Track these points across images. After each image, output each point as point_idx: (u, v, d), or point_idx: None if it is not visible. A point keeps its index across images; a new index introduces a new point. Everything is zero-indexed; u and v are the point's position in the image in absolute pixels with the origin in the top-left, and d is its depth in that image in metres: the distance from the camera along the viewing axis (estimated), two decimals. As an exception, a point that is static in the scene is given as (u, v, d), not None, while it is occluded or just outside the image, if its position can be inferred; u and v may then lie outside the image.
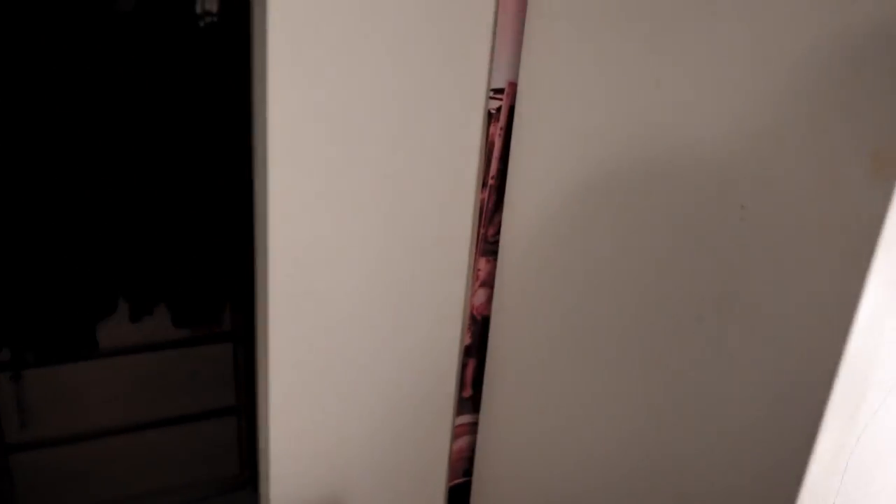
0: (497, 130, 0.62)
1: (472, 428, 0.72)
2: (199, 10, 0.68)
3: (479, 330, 0.68)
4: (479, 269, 0.66)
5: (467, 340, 0.68)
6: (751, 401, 0.43)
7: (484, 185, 0.63)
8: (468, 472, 0.73)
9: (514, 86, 0.61)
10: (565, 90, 0.55)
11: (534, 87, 0.59)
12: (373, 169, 0.57)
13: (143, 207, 0.77)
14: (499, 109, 0.61)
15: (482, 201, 0.63)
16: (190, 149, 0.76)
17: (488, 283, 0.67)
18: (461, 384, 0.69)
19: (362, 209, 0.58)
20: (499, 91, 0.61)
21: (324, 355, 0.61)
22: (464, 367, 0.69)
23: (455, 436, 0.71)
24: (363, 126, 0.56)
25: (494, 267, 0.66)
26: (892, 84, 0.34)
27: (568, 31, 0.54)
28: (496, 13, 0.58)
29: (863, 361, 0.38)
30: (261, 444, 0.65)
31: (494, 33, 0.58)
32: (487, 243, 0.65)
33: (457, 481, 0.73)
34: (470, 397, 0.70)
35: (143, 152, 0.72)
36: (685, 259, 0.47)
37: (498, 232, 0.65)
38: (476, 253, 0.65)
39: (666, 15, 0.46)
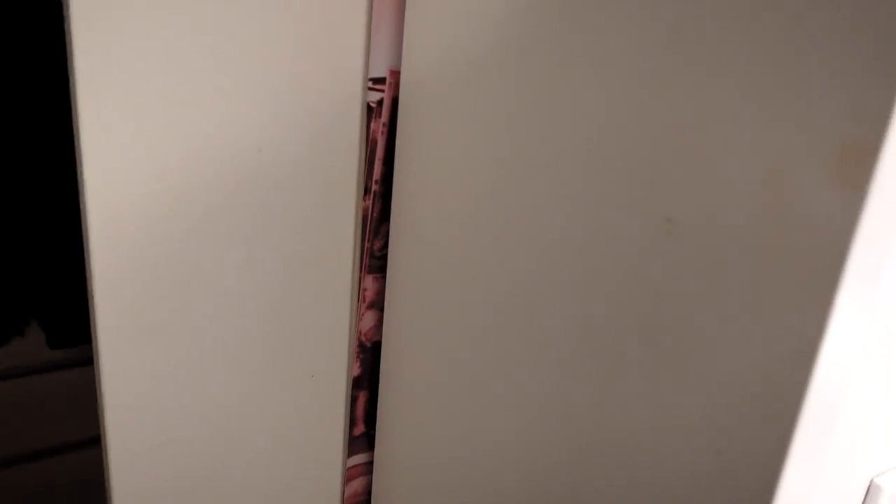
0: (379, 127, 0.52)
1: (368, 468, 0.62)
2: None
3: (369, 358, 0.59)
4: (365, 289, 0.56)
5: (356, 371, 0.59)
6: (683, 452, 0.34)
7: (367, 191, 0.54)
8: (365, 516, 0.64)
9: (397, 74, 0.51)
10: (457, 77, 0.46)
11: (419, 74, 0.49)
12: (227, 176, 0.47)
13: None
14: (380, 102, 0.52)
15: (365, 210, 0.54)
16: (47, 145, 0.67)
17: (377, 305, 0.57)
18: (352, 421, 0.60)
19: (216, 223, 0.48)
20: (379, 80, 0.51)
21: (172, 396, 0.51)
22: (354, 400, 0.59)
23: (347, 479, 0.62)
24: (208, 124, 0.46)
25: (384, 285, 0.57)
26: (866, 60, 0.25)
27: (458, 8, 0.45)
28: (371, -13, 0.48)
29: (824, 410, 0.29)
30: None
31: (370, 10, 0.49)
32: (374, 258, 0.56)
33: (353, 528, 0.64)
34: (363, 434, 0.61)
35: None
36: (605, 277, 0.38)
37: (386, 245, 0.56)
38: (362, 270, 0.56)
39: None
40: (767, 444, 0.29)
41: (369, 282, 0.56)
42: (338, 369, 0.56)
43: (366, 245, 0.55)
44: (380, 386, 0.59)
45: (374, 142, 0.53)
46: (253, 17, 0.44)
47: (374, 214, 0.55)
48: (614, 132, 0.36)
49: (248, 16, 0.44)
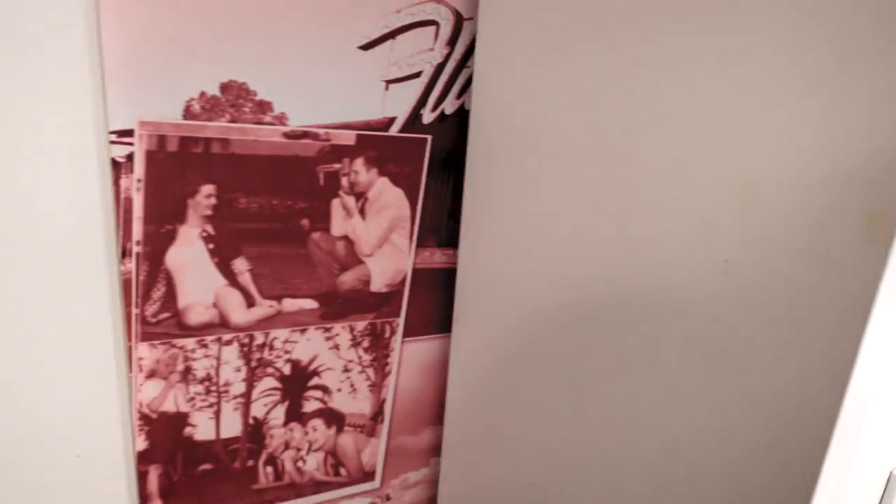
0: (133, 183, 0.47)
1: (172, 545, 0.57)
2: None
3: (160, 429, 0.53)
4: (141, 358, 0.51)
5: (143, 445, 0.53)
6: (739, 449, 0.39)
7: (127, 254, 0.48)
8: None
9: (150, 125, 0.46)
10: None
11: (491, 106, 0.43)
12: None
13: None
14: (130, 157, 0.46)
15: (127, 274, 0.48)
16: None
17: (160, 373, 0.52)
18: (146, 497, 0.55)
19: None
20: (126, 133, 0.45)
21: None
22: (144, 475, 0.54)
23: (148, 557, 0.56)
24: None
25: (166, 353, 0.51)
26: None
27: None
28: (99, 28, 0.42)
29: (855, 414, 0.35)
30: None
31: (101, 60, 0.43)
32: (149, 324, 0.50)
33: None
34: (161, 510, 0.56)
35: None
36: (668, 304, 0.41)
37: (163, 310, 0.50)
38: (135, 339, 0.50)
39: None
40: (810, 443, 0.35)
41: (145, 350, 0.51)
42: (110, 446, 0.51)
43: (134, 311, 0.49)
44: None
45: (129, 200, 0.47)
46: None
47: (142, 277, 0.49)
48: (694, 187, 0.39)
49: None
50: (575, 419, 0.49)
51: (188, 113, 0.47)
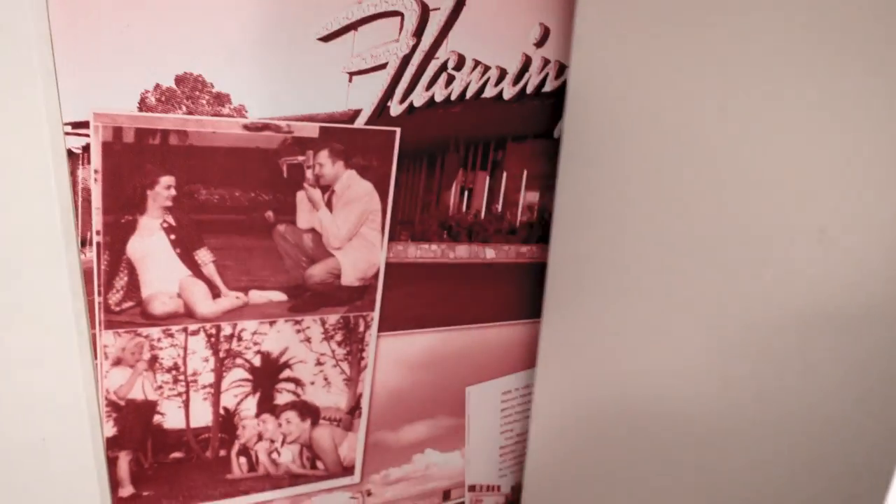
0: (91, 174, 0.48)
1: (145, 530, 0.58)
2: None
3: (127, 416, 0.55)
4: (106, 346, 0.52)
5: (112, 432, 0.54)
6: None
7: (88, 243, 0.49)
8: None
9: (104, 117, 0.47)
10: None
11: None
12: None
13: None
14: (86, 148, 0.47)
15: (88, 263, 0.50)
16: None
17: (126, 361, 0.53)
18: (114, 483, 0.56)
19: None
20: (81, 124, 0.47)
21: None
22: (114, 461, 0.55)
23: (122, 541, 0.58)
24: None
25: (131, 341, 0.52)
26: None
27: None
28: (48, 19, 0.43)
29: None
30: None
31: (51, 51, 0.44)
32: (112, 313, 0.51)
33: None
34: (133, 496, 0.57)
35: None
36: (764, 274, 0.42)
37: (127, 299, 0.51)
38: (99, 327, 0.51)
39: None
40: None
41: (109, 338, 0.52)
42: (76, 433, 0.52)
43: (97, 299, 0.51)
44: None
45: (88, 190, 0.48)
46: None
47: (104, 267, 0.50)
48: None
49: None
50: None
51: (143, 105, 0.47)
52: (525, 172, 0.63)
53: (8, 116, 0.44)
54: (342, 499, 0.66)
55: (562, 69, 0.60)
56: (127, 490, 0.57)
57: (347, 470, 0.65)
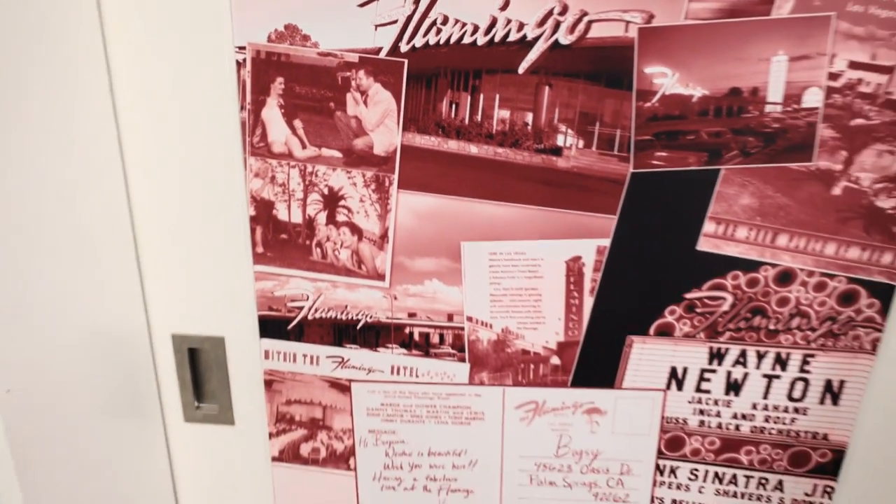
0: (247, 73, 0.97)
1: (267, 275, 1.07)
2: None
3: (259, 206, 1.04)
4: (250, 165, 1.01)
5: (252, 213, 1.04)
6: None
7: (243, 108, 0.99)
8: None
9: (252, 45, 0.95)
10: None
11: None
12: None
13: None
14: (243, 61, 0.96)
15: (243, 120, 0.99)
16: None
17: (260, 175, 1.02)
18: (253, 244, 1.06)
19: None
20: (241, 48, 0.96)
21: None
22: (253, 230, 1.05)
23: (256, 277, 1.08)
24: None
25: (263, 163, 1.01)
26: None
27: None
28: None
29: None
30: None
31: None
32: (254, 147, 1.00)
33: None
34: (261, 254, 1.06)
35: None
36: None
37: (261, 141, 1.00)
38: (247, 153, 1.01)
39: None
40: None
41: (253, 161, 1.01)
42: (239, 210, 1.03)
43: (247, 140, 1.00)
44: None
45: (244, 81, 0.97)
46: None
47: (250, 123, 0.99)
48: None
49: (167, 16, 0.95)
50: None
51: (269, 38, 0.94)
52: (498, 95, 0.94)
53: (209, 47, 0.94)
54: (377, 295, 1.07)
55: (520, 26, 0.90)
56: (259, 249, 1.06)
57: (381, 276, 1.06)
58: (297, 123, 0.98)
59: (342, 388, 1.12)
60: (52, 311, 0.90)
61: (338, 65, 0.95)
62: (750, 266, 0.97)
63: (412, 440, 1.15)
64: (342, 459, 1.18)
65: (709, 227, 0.96)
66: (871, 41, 0.85)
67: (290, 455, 1.18)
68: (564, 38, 0.90)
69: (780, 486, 1.10)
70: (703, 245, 0.97)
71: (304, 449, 1.18)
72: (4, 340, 0.81)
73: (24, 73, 0.82)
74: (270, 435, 1.17)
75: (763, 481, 1.10)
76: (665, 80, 0.90)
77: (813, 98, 0.88)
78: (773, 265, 0.97)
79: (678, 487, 1.13)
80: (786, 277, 0.98)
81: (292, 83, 0.96)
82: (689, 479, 1.12)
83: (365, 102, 0.96)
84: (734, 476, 1.11)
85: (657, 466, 1.12)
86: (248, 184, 1.03)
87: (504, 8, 0.90)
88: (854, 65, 0.86)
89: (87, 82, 0.94)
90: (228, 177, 1.02)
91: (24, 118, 0.82)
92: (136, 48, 0.96)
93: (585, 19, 0.89)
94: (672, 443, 1.10)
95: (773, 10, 0.85)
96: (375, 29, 0.93)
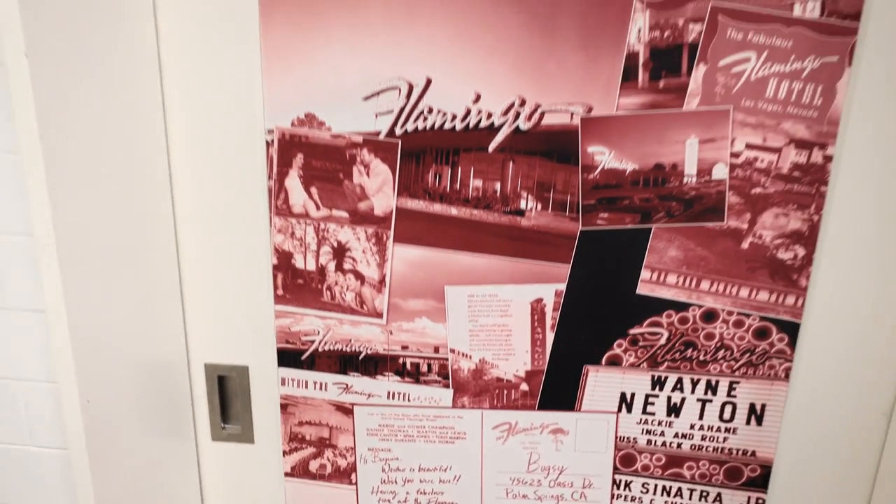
0: (273, 151, 1.22)
1: (285, 313, 1.30)
2: None
3: (281, 256, 1.27)
4: (274, 223, 1.26)
5: (274, 262, 1.28)
6: None
7: (269, 177, 1.23)
8: None
9: (278, 128, 1.21)
10: None
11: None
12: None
13: None
14: (271, 141, 1.22)
15: (269, 186, 1.24)
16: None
17: (281, 231, 1.26)
18: (275, 287, 1.29)
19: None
20: (270, 131, 1.21)
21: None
22: (275, 276, 1.28)
23: (276, 315, 1.30)
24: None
25: (286, 221, 1.25)
26: None
27: None
28: None
29: None
30: None
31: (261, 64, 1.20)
32: (277, 208, 1.25)
33: (285, 345, 1.32)
34: (281, 295, 1.29)
35: None
36: None
37: (283, 203, 1.24)
38: (271, 214, 1.25)
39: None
40: None
41: (276, 219, 1.26)
42: (262, 259, 1.27)
43: (271, 202, 1.24)
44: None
45: (272, 157, 1.22)
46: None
47: (274, 188, 1.24)
48: None
49: (212, 106, 1.21)
50: None
51: (292, 123, 1.20)
52: (472, 168, 1.18)
53: (243, 124, 1.20)
54: (376, 330, 1.29)
55: (489, 115, 1.15)
56: (280, 291, 1.29)
57: (379, 315, 1.28)
58: (313, 190, 1.23)
59: (346, 410, 1.33)
60: (118, 344, 1.13)
61: (346, 144, 1.19)
62: (680, 306, 1.19)
63: (405, 457, 1.35)
64: (345, 475, 1.38)
65: (645, 274, 1.18)
66: (762, 128, 1.08)
67: (300, 471, 1.38)
68: (524, 124, 1.14)
69: (719, 498, 1.29)
70: (642, 289, 1.19)
71: (313, 465, 1.38)
72: (85, 362, 1.04)
73: (95, 140, 1.07)
74: (284, 453, 1.38)
75: (704, 494, 1.29)
76: (604, 157, 1.13)
77: (720, 172, 1.11)
78: (699, 306, 1.19)
79: (632, 500, 1.31)
80: (710, 316, 1.19)
81: (310, 158, 1.21)
82: (642, 492, 1.31)
83: (367, 174, 1.20)
84: (679, 489, 1.29)
85: (614, 481, 1.31)
86: (272, 238, 1.26)
87: (476, 101, 1.15)
88: (750, 146, 1.09)
89: (149, 154, 1.19)
90: (257, 232, 1.26)
91: (100, 185, 1.07)
92: (192, 127, 1.22)
93: (539, 110, 1.13)
94: (625, 459, 1.29)
95: (685, 104, 1.10)
96: (376, 117, 1.18)
